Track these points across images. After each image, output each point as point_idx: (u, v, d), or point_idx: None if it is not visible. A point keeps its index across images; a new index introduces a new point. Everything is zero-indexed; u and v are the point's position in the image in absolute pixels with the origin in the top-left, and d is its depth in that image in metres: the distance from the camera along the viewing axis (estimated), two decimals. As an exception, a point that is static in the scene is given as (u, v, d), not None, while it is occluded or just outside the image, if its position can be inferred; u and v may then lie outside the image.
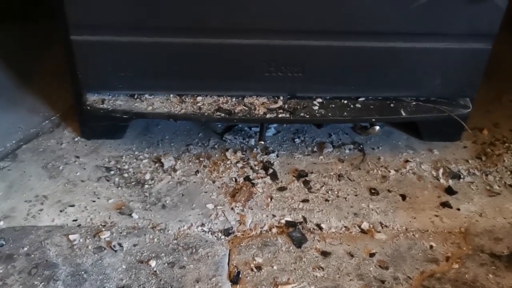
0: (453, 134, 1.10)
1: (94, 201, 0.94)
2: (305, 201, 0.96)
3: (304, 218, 0.93)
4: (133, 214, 0.92)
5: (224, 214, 0.93)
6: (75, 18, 0.90)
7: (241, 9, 0.90)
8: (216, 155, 1.06)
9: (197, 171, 1.02)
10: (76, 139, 1.08)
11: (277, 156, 1.06)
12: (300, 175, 1.02)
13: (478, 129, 1.15)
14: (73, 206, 0.93)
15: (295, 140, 1.11)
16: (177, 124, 1.12)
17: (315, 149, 1.08)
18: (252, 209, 0.94)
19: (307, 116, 0.98)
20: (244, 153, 1.06)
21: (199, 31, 0.92)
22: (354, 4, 0.90)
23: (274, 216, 0.93)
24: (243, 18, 0.91)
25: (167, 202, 0.95)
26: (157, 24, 0.91)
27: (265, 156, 1.05)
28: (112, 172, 1.01)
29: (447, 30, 0.93)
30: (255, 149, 1.07)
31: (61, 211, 0.92)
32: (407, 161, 1.06)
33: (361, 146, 1.09)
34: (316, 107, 1.00)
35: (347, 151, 1.08)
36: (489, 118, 1.18)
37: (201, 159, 1.04)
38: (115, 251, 0.85)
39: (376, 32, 0.94)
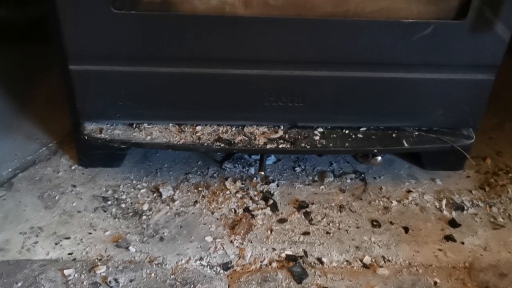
0: (456, 164, 1.09)
1: (90, 233, 0.92)
2: (305, 233, 0.94)
3: (305, 252, 0.91)
4: (130, 247, 0.90)
5: (223, 247, 0.91)
6: (74, 48, 0.89)
7: (241, 40, 0.89)
8: (216, 184, 1.04)
9: (196, 202, 1.00)
10: (73, 167, 1.07)
11: (278, 185, 1.04)
12: (301, 206, 1.00)
13: (481, 157, 1.13)
14: (68, 238, 0.91)
15: (296, 168, 1.09)
16: (176, 151, 1.10)
17: (316, 178, 1.07)
18: (251, 242, 0.92)
19: (308, 146, 0.96)
20: (243, 182, 1.04)
21: (198, 61, 0.91)
22: (356, 35, 0.89)
23: (274, 249, 0.91)
24: (243, 49, 0.90)
25: (165, 234, 0.93)
26: (156, 54, 0.90)
27: (265, 186, 1.04)
28: (109, 202, 0.99)
29: (450, 61, 0.92)
30: (255, 178, 1.05)
31: (56, 244, 0.90)
32: (409, 191, 1.04)
33: (363, 175, 1.08)
34: (317, 137, 0.98)
35: (348, 180, 1.07)
36: (491, 146, 1.17)
37: (200, 188, 1.03)
38: (111, 287, 0.82)
39: (378, 63, 0.92)
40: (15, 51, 1.39)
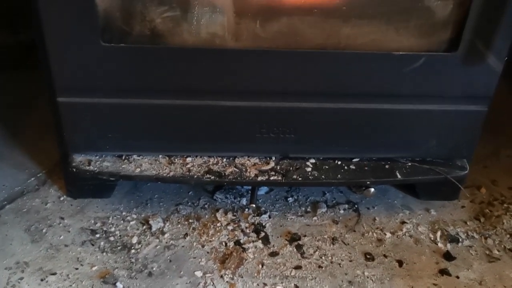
0: (451, 194, 1.07)
1: (77, 269, 0.90)
2: (297, 267, 0.92)
3: (297, 287, 0.89)
4: (118, 284, 0.88)
5: (213, 283, 0.89)
6: (62, 81, 0.88)
7: (232, 72, 0.89)
8: (206, 216, 1.02)
9: (186, 234, 0.98)
10: (61, 198, 1.05)
11: (270, 217, 1.03)
12: (293, 238, 0.98)
13: (476, 186, 1.12)
14: (54, 274, 0.89)
15: (288, 199, 1.07)
16: (167, 181, 1.09)
17: (308, 209, 1.05)
18: (242, 277, 0.90)
19: (300, 178, 0.95)
20: (235, 214, 1.02)
21: (189, 93, 0.90)
22: (347, 67, 0.89)
23: (265, 284, 0.89)
24: (234, 81, 0.89)
25: (154, 269, 0.91)
26: (146, 86, 0.89)
27: (257, 217, 1.02)
28: (97, 235, 0.97)
29: (442, 92, 0.92)
30: (246, 209, 1.04)
31: (42, 280, 0.88)
32: (403, 222, 1.03)
33: (356, 205, 1.06)
34: (309, 169, 0.97)
35: (341, 211, 1.05)
36: (486, 174, 1.16)
37: (190, 220, 1.01)
38: (97, 326, 0.80)
39: (369, 94, 0.92)
40: (6, 77, 1.38)
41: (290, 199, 1.07)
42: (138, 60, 0.87)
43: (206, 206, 1.05)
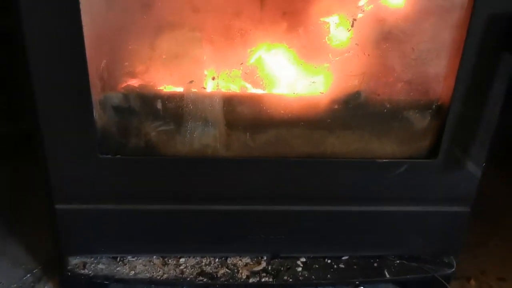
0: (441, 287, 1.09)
1: None
2: None
3: None
4: None
5: None
6: (60, 190, 0.91)
7: (223, 179, 0.93)
8: (199, 315, 1.03)
9: (179, 336, 0.99)
10: (56, 297, 1.06)
11: (262, 315, 1.03)
12: (285, 339, 0.99)
13: (465, 278, 1.13)
14: None
15: (280, 294, 1.09)
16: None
17: (300, 305, 1.06)
18: None
19: (291, 280, 0.97)
20: (227, 312, 1.03)
21: (182, 199, 0.94)
22: (333, 173, 0.93)
23: None
24: (225, 187, 0.93)
25: None
26: (141, 194, 0.93)
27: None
28: (91, 338, 0.97)
29: (425, 196, 0.96)
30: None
31: None
32: (394, 318, 1.04)
33: (348, 301, 1.07)
34: (300, 268, 0.99)
35: (333, 307, 1.06)
36: (476, 264, 1.18)
37: (183, 321, 1.02)
38: None
39: (355, 198, 0.95)
40: (4, 167, 1.41)
41: (282, 295, 1.08)
42: (133, 169, 0.91)
43: (199, 304, 1.05)
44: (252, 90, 0.91)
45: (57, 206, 0.93)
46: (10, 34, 0.82)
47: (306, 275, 0.98)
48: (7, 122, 1.52)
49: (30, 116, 0.87)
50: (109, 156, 0.89)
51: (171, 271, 0.97)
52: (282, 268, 0.99)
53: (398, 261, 1.01)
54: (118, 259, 0.99)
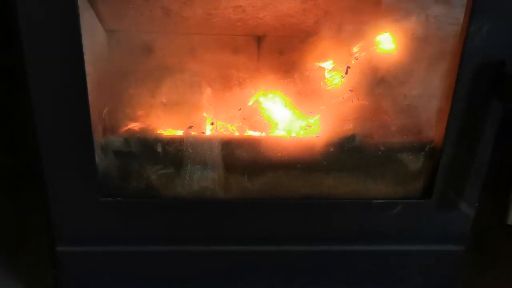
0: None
1: None
2: None
3: None
4: None
5: None
6: (62, 233, 0.93)
7: (222, 221, 0.94)
8: None
9: None
10: (56, 337, 1.06)
11: None
12: None
13: (463, 314, 1.14)
14: None
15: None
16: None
17: None
18: None
19: (289, 320, 0.98)
20: None
21: (181, 240, 0.96)
22: (330, 213, 0.95)
23: None
24: (224, 228, 0.95)
25: None
26: (140, 235, 0.95)
27: None
28: None
29: (420, 234, 0.97)
30: None
31: None
32: None
33: None
34: (298, 308, 1.00)
35: None
36: (474, 299, 1.18)
37: None
38: None
39: (352, 237, 0.97)
40: (4, 199, 1.42)
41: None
42: (134, 212, 0.93)
43: None
44: (249, 133, 0.94)
45: (58, 248, 0.94)
46: (12, 70, 0.84)
47: (305, 315, 0.99)
48: (8, 155, 1.53)
49: (32, 155, 0.89)
50: (110, 199, 0.91)
51: (171, 312, 0.98)
52: (280, 308, 1.00)
53: (395, 299, 1.02)
54: (118, 299, 1.00)
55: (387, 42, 0.86)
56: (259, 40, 1.03)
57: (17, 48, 0.80)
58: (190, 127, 0.90)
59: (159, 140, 0.91)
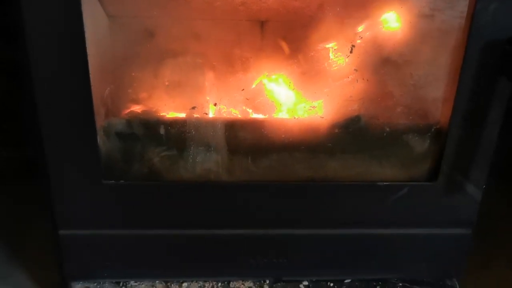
0: (444, 310, 1.09)
1: None
2: None
3: None
4: None
5: None
6: (64, 216, 0.92)
7: (226, 204, 0.93)
8: None
9: None
10: (60, 323, 1.06)
11: None
12: None
13: (468, 302, 1.13)
14: None
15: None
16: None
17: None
18: None
19: (293, 304, 0.97)
20: (230, 337, 1.03)
21: (184, 224, 0.95)
22: (335, 197, 0.94)
23: None
24: (228, 212, 0.94)
25: None
26: (144, 219, 0.94)
27: None
28: None
29: (426, 218, 0.96)
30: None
31: None
32: None
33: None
34: (302, 292, 0.99)
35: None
36: (479, 286, 1.17)
37: None
38: None
39: (357, 221, 0.96)
40: (10, 193, 1.42)
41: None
42: (136, 195, 0.92)
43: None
44: (253, 115, 0.93)
45: (61, 232, 0.94)
46: (15, 61, 0.84)
47: (309, 299, 0.98)
48: (11, 148, 1.53)
49: (34, 142, 0.89)
50: (113, 181, 0.90)
51: (174, 296, 0.97)
52: (284, 292, 0.99)
53: (400, 284, 1.01)
54: (121, 283, 0.99)
55: (393, 20, 0.85)
56: (262, 25, 1.01)
57: (19, 34, 0.79)
58: (193, 108, 0.89)
59: (162, 122, 0.90)
